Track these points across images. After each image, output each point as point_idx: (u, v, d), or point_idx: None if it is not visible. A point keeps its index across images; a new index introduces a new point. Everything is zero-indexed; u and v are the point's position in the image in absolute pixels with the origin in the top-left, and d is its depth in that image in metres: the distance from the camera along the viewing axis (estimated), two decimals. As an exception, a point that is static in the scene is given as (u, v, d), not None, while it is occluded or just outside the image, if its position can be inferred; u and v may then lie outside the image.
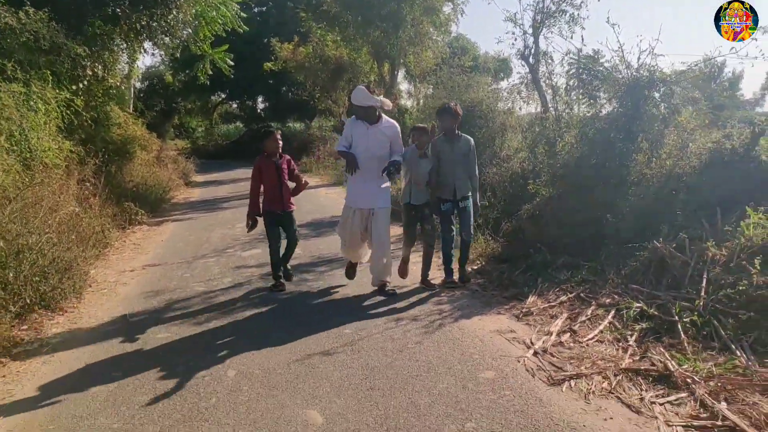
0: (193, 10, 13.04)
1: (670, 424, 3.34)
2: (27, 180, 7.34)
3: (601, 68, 7.90)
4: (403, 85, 29.58)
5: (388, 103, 6.14)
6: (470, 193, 6.47)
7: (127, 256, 8.76)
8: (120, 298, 6.53)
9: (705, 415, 3.40)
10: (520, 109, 11.82)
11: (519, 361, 4.28)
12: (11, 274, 5.40)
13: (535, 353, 4.43)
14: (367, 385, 3.98)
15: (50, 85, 8.81)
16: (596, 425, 3.37)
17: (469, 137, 6.57)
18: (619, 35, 8.80)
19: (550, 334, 4.77)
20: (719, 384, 3.69)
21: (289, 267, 6.89)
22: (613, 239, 6.39)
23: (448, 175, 6.33)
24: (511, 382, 3.94)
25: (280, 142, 6.58)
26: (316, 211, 12.22)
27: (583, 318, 5.05)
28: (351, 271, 6.70)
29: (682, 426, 3.32)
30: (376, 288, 6.30)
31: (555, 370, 4.12)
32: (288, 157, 6.74)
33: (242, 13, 16.84)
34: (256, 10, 33.23)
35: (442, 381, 4.00)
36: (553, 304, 5.48)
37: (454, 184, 6.33)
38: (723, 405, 3.46)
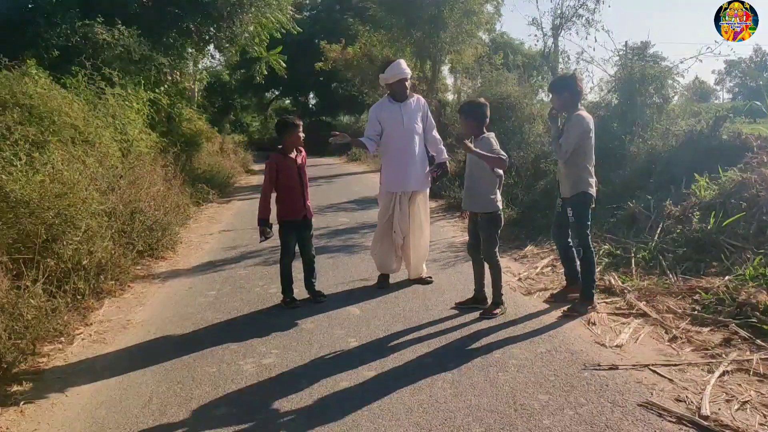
0: (254, 20, 14.84)
1: (599, 311, 4.81)
2: (128, 163, 9.16)
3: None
4: (449, 80, 31.11)
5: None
6: None
7: (205, 225, 10.56)
8: (205, 251, 8.27)
9: (625, 306, 4.86)
10: (542, 100, 13.17)
11: (507, 284, 5.77)
12: (129, 228, 7.17)
13: (519, 279, 5.92)
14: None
15: (142, 89, 10.65)
16: (551, 314, 4.86)
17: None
18: (613, 38, 10.05)
19: (535, 267, 6.25)
20: (645, 293, 5.11)
21: (317, 290, 5.77)
22: (602, 203, 7.78)
23: None
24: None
25: (303, 135, 5.54)
26: (361, 192, 13.88)
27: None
28: (383, 283, 5.99)
29: (607, 313, 4.79)
30: (411, 279, 6.05)
31: (530, 287, 5.61)
32: (304, 153, 5.73)
33: (296, 15, 18.53)
34: (307, 13, 35.05)
35: (450, 296, 5.54)
36: (545, 250, 6.94)
37: None
38: (642, 303, 4.89)
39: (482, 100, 5.26)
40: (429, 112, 5.99)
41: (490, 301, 5.05)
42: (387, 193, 5.83)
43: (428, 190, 6.02)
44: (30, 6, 11.46)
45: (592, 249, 5.02)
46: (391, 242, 5.87)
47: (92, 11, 10.97)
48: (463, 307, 5.15)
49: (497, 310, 4.91)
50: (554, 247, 7.03)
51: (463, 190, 5.28)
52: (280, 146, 5.59)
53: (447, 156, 6.01)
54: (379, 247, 5.95)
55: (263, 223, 5.49)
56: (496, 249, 5.05)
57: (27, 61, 8.30)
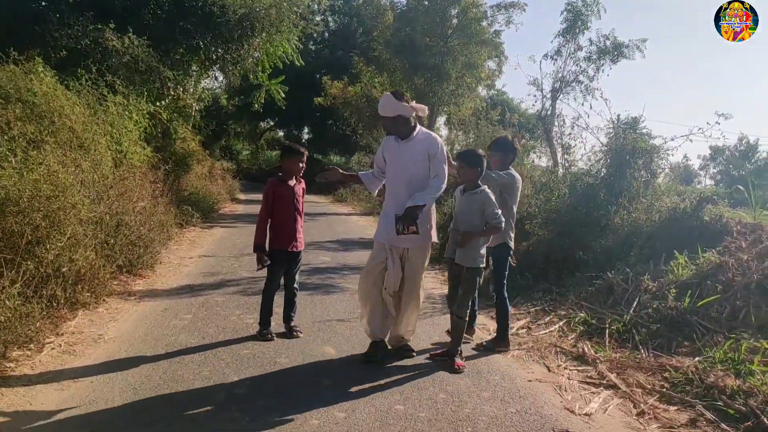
0: (262, 46, 15.05)
1: (571, 378, 4.86)
2: (119, 174, 9.16)
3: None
4: (443, 131, 31.61)
5: (422, 109, 5.00)
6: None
7: (185, 248, 10.53)
8: (183, 274, 8.23)
9: (597, 376, 4.91)
10: (533, 161, 13.44)
11: (482, 340, 5.80)
12: (112, 240, 7.14)
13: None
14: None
15: (144, 100, 10.72)
16: (520, 374, 4.91)
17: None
18: (610, 108, 10.34)
19: (511, 328, 6.28)
20: (617, 364, 5.17)
21: (293, 325, 5.67)
22: (582, 271, 7.89)
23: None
24: (471, 351, 5.46)
25: (304, 166, 5.53)
26: (345, 233, 13.93)
27: (541, 322, 6.57)
28: (374, 353, 5.08)
29: (578, 381, 4.84)
30: (390, 347, 5.25)
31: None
32: (303, 183, 5.67)
33: (299, 44, 18.77)
34: (313, 47, 35.57)
35: (424, 344, 5.56)
36: (521, 312, 7.00)
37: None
38: (613, 375, 4.94)
39: (481, 151, 5.22)
40: (440, 153, 4.96)
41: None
42: (377, 246, 5.13)
43: (426, 249, 5.13)
44: (43, 3, 11.57)
45: (506, 297, 5.55)
46: (378, 299, 5.08)
47: (105, 16, 11.09)
48: (438, 359, 5.10)
49: (461, 363, 4.92)
50: (531, 309, 7.14)
51: (448, 240, 5.15)
52: (280, 173, 5.55)
53: (424, 199, 4.79)
54: (366, 308, 5.16)
55: (259, 249, 5.40)
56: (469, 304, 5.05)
57: (35, 58, 8.32)
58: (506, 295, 5.57)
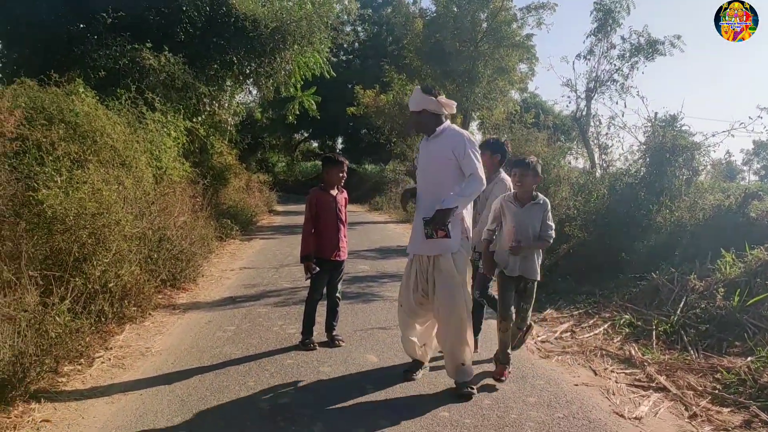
0: (295, 57, 15.23)
1: (618, 381, 4.77)
2: (159, 190, 9.33)
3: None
4: (477, 136, 31.52)
5: (449, 105, 4.57)
6: None
7: (226, 260, 10.66)
8: (225, 286, 8.33)
9: (645, 378, 4.81)
10: (569, 163, 13.28)
11: (526, 346, 5.73)
12: (156, 255, 7.27)
13: (537, 342, 5.88)
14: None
15: (181, 117, 10.93)
16: (566, 379, 4.83)
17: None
18: (648, 106, 10.18)
19: (555, 331, 6.21)
20: (665, 366, 5.06)
21: (335, 334, 5.69)
22: (625, 272, 7.75)
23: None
24: (515, 354, 5.39)
25: (345, 175, 5.59)
26: (382, 241, 13.93)
27: (585, 325, 6.46)
28: (410, 373, 4.76)
29: (626, 384, 4.74)
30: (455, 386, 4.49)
31: (549, 350, 5.58)
32: (345, 193, 5.76)
33: (332, 57, 18.95)
34: (344, 57, 35.83)
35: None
36: (564, 315, 6.91)
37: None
38: (662, 377, 4.83)
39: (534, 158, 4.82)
40: (469, 151, 4.41)
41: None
42: (409, 260, 4.76)
43: (460, 254, 4.47)
44: (81, 26, 11.89)
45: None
46: (407, 317, 4.73)
47: (142, 36, 11.36)
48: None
49: (506, 372, 4.75)
50: (574, 312, 7.03)
51: (507, 252, 4.64)
52: (321, 183, 5.62)
53: (455, 202, 4.32)
54: (401, 323, 4.88)
55: (306, 258, 5.42)
56: None
57: (76, 79, 8.55)
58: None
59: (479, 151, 4.59)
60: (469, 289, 4.63)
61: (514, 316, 4.72)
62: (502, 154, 5.30)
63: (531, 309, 4.81)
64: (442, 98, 4.54)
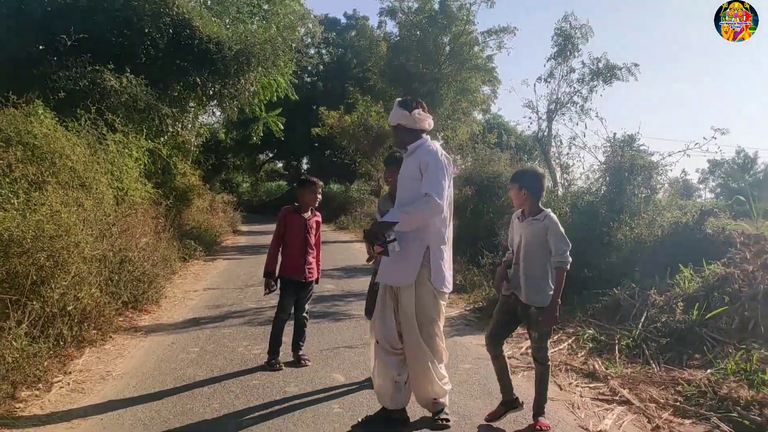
0: (259, 78, 15.25)
1: (583, 396, 4.83)
2: (121, 211, 9.19)
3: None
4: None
5: (424, 120, 4.17)
6: None
7: (189, 281, 10.52)
8: (189, 308, 8.21)
9: (609, 392, 4.88)
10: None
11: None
12: (117, 277, 7.13)
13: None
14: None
15: (143, 138, 10.81)
16: (531, 394, 4.82)
17: None
18: (606, 127, 10.45)
19: (520, 347, 6.26)
20: (628, 380, 5.14)
21: (301, 353, 5.63)
22: (588, 288, 7.86)
23: None
24: (481, 371, 5.43)
25: (319, 197, 5.60)
26: (347, 260, 13.90)
27: (550, 341, 6.51)
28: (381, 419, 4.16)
29: (590, 398, 4.80)
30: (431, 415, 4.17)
31: (515, 366, 5.61)
32: (319, 216, 5.75)
33: (294, 80, 18.99)
34: (308, 79, 35.96)
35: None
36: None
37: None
38: (625, 390, 4.91)
39: (540, 170, 4.61)
40: (432, 164, 3.96)
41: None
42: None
43: (424, 289, 3.99)
44: (41, 47, 11.72)
45: None
46: (385, 355, 4.12)
47: (103, 57, 11.23)
48: (495, 419, 4.30)
49: (545, 423, 4.15)
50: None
51: (511, 275, 4.27)
52: (296, 203, 5.62)
53: (395, 216, 3.88)
54: (379, 364, 4.20)
55: (268, 275, 5.48)
56: None
57: (35, 100, 8.40)
58: None
59: (447, 171, 4.04)
60: (436, 329, 4.06)
61: (496, 342, 4.36)
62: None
63: (545, 341, 4.27)
64: (417, 112, 4.13)
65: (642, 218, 8.64)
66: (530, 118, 14.27)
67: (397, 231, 3.86)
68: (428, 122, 4.19)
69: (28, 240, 5.49)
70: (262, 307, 8.14)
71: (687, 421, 4.36)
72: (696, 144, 8.60)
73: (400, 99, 4.33)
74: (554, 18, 44.39)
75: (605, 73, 18.44)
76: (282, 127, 25.67)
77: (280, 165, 46.30)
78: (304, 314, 5.70)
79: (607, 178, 9.26)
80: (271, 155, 42.79)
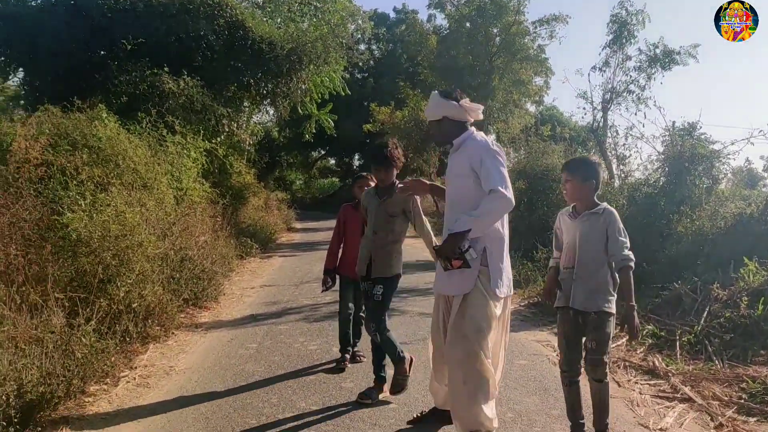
0: (311, 77, 15.44)
1: (642, 393, 4.73)
2: (180, 210, 9.46)
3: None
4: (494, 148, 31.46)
5: (475, 109, 3.84)
6: None
7: (247, 278, 10.75)
8: (246, 304, 8.40)
9: (669, 389, 4.77)
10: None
11: (547, 357, 5.72)
12: (178, 275, 7.36)
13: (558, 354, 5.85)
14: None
15: (200, 138, 11.10)
16: (589, 390, 4.79)
17: None
18: (665, 115, 10.19)
19: (576, 344, 6.18)
20: (690, 377, 5.02)
21: (357, 350, 5.66)
22: (647, 282, 7.69)
23: None
24: (537, 367, 5.39)
25: None
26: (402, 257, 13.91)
27: (607, 337, 6.42)
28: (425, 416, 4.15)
29: (650, 395, 4.71)
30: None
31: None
32: None
33: (347, 76, 19.15)
34: (359, 76, 36.14)
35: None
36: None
37: None
38: (687, 387, 4.79)
39: (596, 158, 4.22)
40: (486, 159, 3.58)
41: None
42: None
43: (476, 296, 3.61)
44: (102, 52, 12.18)
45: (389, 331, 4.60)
46: (437, 366, 4.03)
47: (161, 61, 11.61)
48: None
49: None
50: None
51: (565, 281, 3.75)
52: (356, 200, 5.46)
53: (467, 223, 3.49)
54: (434, 368, 4.11)
55: (326, 272, 5.43)
56: None
57: (98, 105, 8.74)
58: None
59: (503, 160, 3.66)
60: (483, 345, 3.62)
61: (574, 366, 3.78)
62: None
63: (605, 348, 3.68)
64: (466, 102, 3.78)
65: (703, 210, 8.39)
66: (584, 108, 14.04)
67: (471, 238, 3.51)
68: (477, 111, 3.85)
69: (95, 240, 5.74)
70: (318, 304, 8.27)
71: (752, 419, 4.23)
72: (760, 131, 8.27)
73: (439, 90, 3.98)
74: (608, 4, 43.32)
75: (663, 59, 17.91)
76: (333, 124, 25.87)
77: (332, 162, 46.75)
78: (361, 313, 5.60)
79: (666, 169, 9.03)
80: (323, 152, 43.24)
